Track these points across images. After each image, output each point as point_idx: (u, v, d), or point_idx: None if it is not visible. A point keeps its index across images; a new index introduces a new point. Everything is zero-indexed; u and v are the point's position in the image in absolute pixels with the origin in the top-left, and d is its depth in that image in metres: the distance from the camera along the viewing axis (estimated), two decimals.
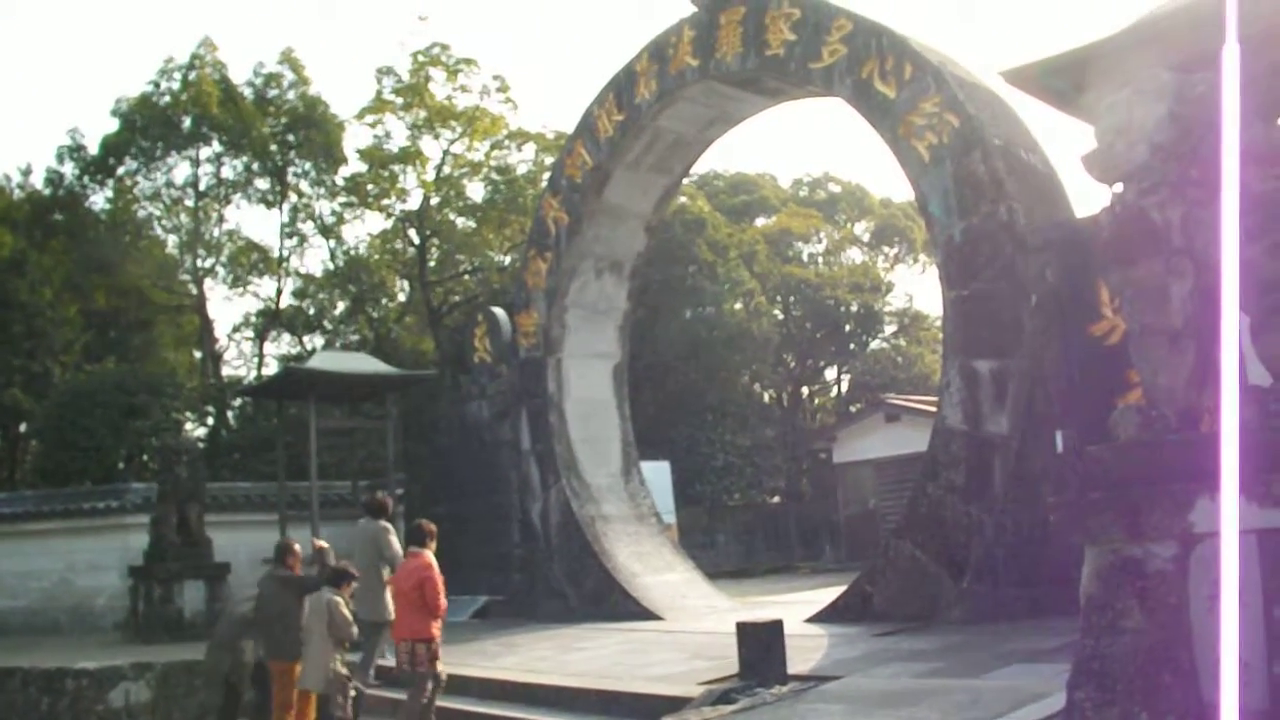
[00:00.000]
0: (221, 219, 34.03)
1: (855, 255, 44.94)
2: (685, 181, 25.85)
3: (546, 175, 24.60)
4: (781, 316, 39.15)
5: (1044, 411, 12.07)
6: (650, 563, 17.42)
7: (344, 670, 11.05)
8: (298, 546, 12.22)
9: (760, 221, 42.00)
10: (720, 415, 33.00)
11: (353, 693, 11.25)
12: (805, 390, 43.31)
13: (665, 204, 20.01)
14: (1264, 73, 5.13)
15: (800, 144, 79.48)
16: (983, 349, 12.56)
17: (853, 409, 37.45)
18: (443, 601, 10.80)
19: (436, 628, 10.73)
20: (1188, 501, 5.30)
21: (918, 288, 73.82)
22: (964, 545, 12.35)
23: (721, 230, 34.38)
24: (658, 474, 24.33)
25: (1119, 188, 6.16)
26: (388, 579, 12.38)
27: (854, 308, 40.29)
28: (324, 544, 12.64)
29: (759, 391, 39.32)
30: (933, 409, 17.41)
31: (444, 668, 10.87)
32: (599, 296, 18.79)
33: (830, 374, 44.06)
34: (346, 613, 11.05)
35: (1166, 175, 5.72)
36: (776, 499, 35.36)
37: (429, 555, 10.98)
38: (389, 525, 12.79)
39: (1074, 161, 6.61)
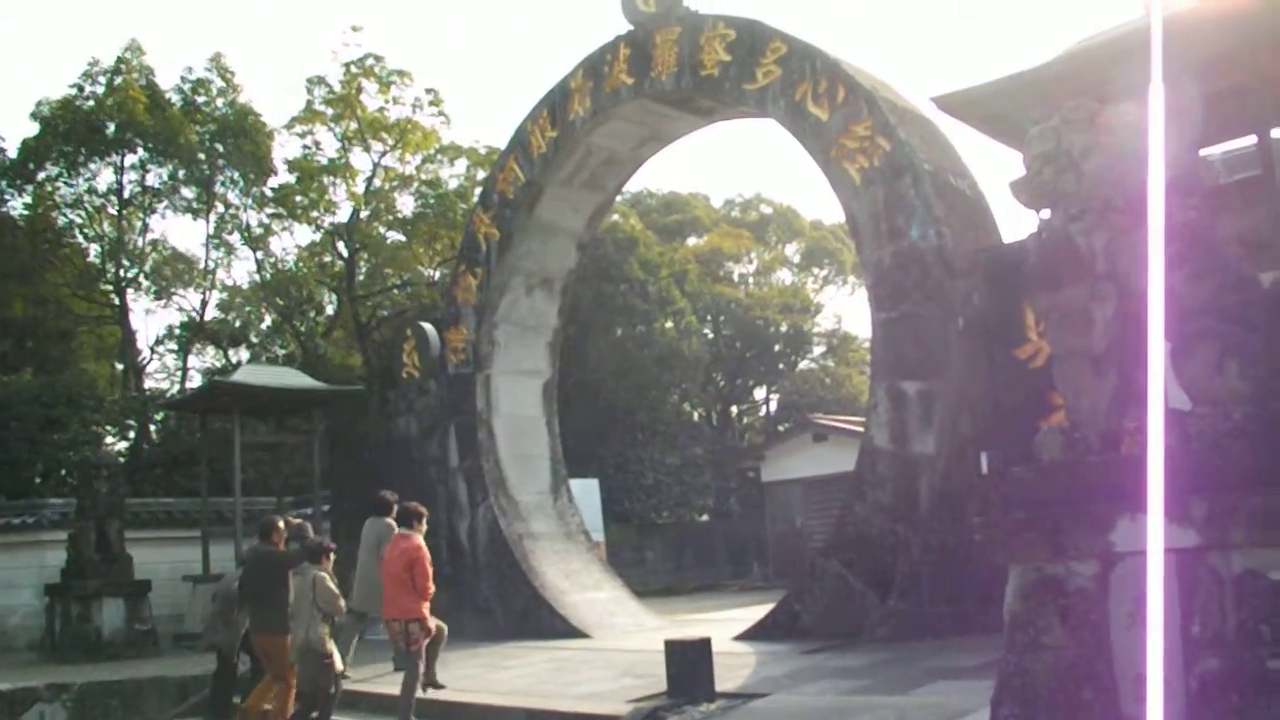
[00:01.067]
0: (145, 228, 33.44)
1: (785, 276, 45.37)
2: (618, 199, 25.92)
3: (478, 190, 24.58)
4: (711, 336, 39.37)
5: (969, 432, 12.28)
6: (578, 581, 17.41)
7: (330, 646, 11.18)
8: (282, 523, 12.43)
9: (692, 241, 42.25)
10: (650, 433, 33.08)
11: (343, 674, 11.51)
12: (734, 409, 43.57)
13: (597, 221, 20.06)
14: (1188, 105, 5.30)
15: (733, 164, 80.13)
16: (910, 370, 12.74)
17: (781, 428, 37.69)
18: (431, 585, 11.29)
19: (426, 607, 11.22)
20: (1109, 521, 5.44)
21: (847, 309, 74.71)
22: (890, 564, 12.50)
23: (653, 249, 34.54)
24: (587, 492, 24.33)
25: (1046, 214, 6.31)
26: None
27: (783, 328, 40.62)
28: (300, 520, 12.88)
29: (688, 410, 39.47)
30: (860, 429, 17.60)
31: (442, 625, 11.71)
32: (529, 313, 18.77)
33: (759, 393, 44.37)
34: (332, 586, 11.24)
35: (1092, 202, 5.87)
36: (705, 517, 35.48)
37: (418, 538, 11.43)
38: (394, 523, 12.71)
39: (1003, 187, 6.77)
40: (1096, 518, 5.51)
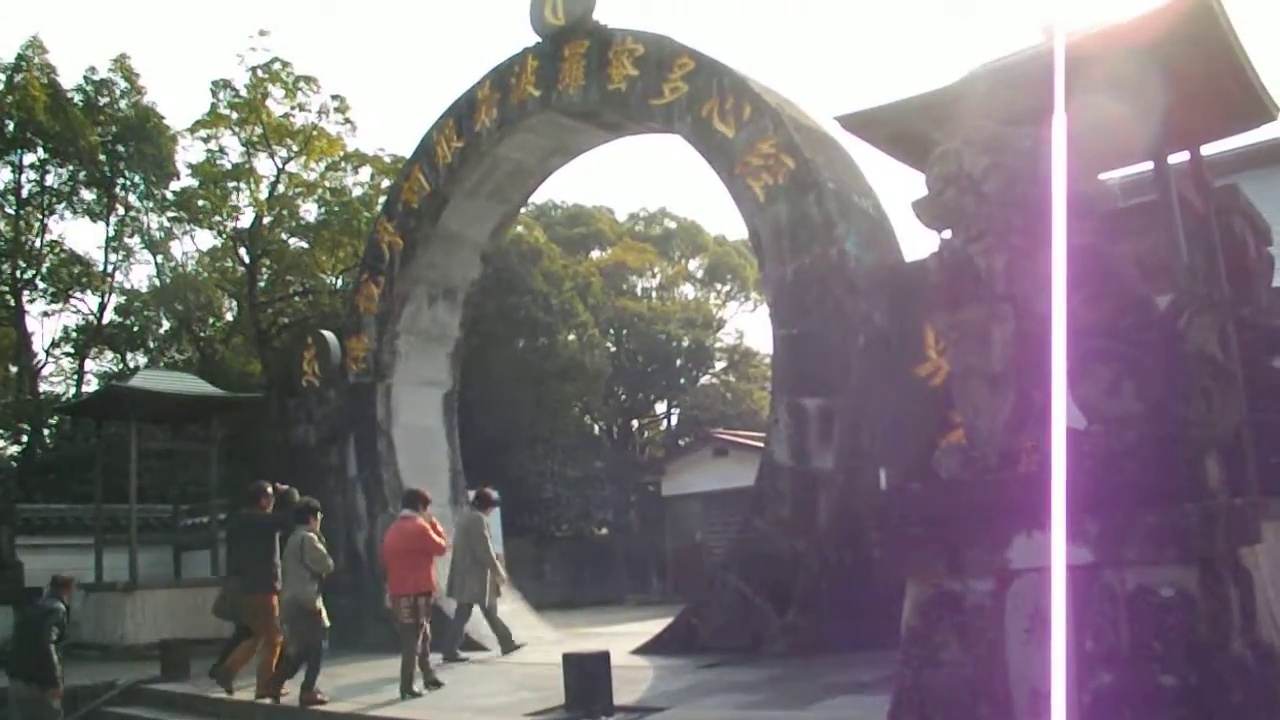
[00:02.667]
0: (44, 229, 32.40)
1: (688, 291, 45.49)
2: (522, 211, 25.82)
3: (382, 199, 24.27)
4: (614, 349, 39.31)
5: (869, 449, 12.37)
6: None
7: (318, 604, 11.60)
8: (270, 488, 13.01)
9: (596, 254, 42.19)
10: (550, 446, 32.92)
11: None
12: (635, 423, 43.54)
13: (502, 233, 19.94)
14: (1084, 132, 5.38)
15: (638, 178, 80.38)
16: (811, 387, 12.80)
17: (682, 443, 37.76)
18: (444, 545, 12.73)
19: (434, 581, 12.39)
20: (1005, 539, 5.49)
21: (749, 325, 75.20)
22: (789, 579, 12.53)
23: (557, 261, 34.42)
24: None
25: (947, 234, 6.36)
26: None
27: (685, 343, 40.72)
28: (287, 486, 13.41)
29: (590, 423, 39.39)
30: (760, 444, 17.66)
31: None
32: (431, 323, 18.58)
33: (660, 407, 44.38)
34: (320, 546, 11.70)
35: (992, 224, 5.94)
36: (605, 531, 35.38)
37: (422, 520, 12.56)
38: (485, 519, 14.01)
39: (905, 207, 6.82)
40: (994, 535, 5.56)
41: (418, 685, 11.66)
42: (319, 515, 12.13)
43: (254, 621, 12.36)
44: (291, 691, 11.56)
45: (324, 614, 11.64)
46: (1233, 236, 8.58)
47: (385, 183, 30.94)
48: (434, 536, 12.48)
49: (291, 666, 11.64)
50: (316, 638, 11.52)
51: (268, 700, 11.68)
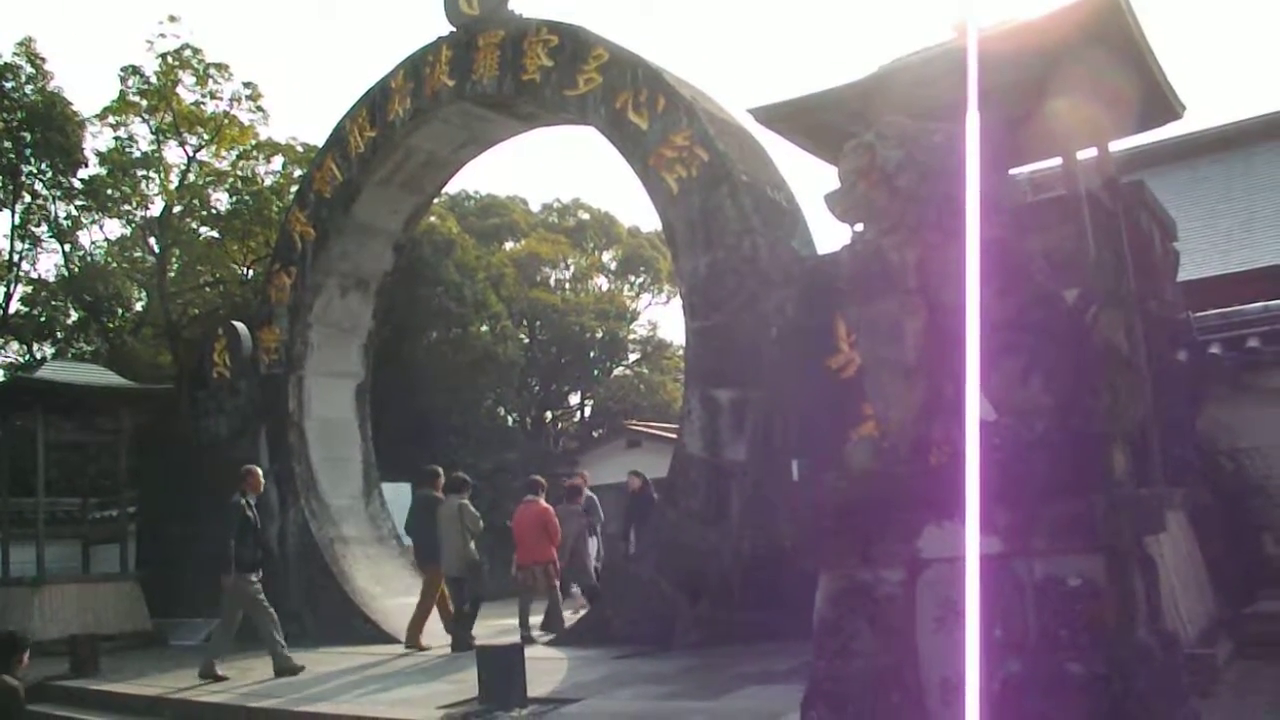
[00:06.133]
0: None
1: (602, 283, 45.45)
2: (436, 201, 25.55)
3: (294, 188, 23.91)
4: (527, 341, 39.14)
5: (781, 440, 12.42)
6: (390, 585, 17.06)
7: (477, 557, 14.12)
8: (440, 470, 15.39)
9: (509, 245, 41.97)
10: (464, 438, 32.67)
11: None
12: (549, 415, 43.42)
13: (415, 223, 19.72)
14: (996, 126, 5.42)
15: (552, 169, 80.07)
16: (723, 379, 12.82)
17: (596, 434, 37.76)
18: (559, 536, 14.84)
19: (555, 552, 14.72)
20: (916, 529, 5.50)
21: (662, 317, 75.30)
22: (701, 570, 12.55)
23: (470, 252, 34.15)
24: (399, 496, 23.85)
25: (860, 227, 6.37)
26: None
27: (599, 334, 40.69)
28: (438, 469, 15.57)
29: (503, 415, 39.18)
30: (673, 436, 17.68)
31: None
32: (344, 314, 18.34)
33: (574, 399, 44.32)
34: (474, 510, 14.26)
35: (905, 218, 5.93)
36: None
37: (544, 502, 14.96)
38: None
39: (818, 200, 6.81)
40: (904, 525, 5.57)
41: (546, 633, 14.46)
42: (470, 487, 14.77)
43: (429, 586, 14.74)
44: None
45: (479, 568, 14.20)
46: (1139, 232, 8.74)
47: (297, 172, 30.45)
48: (554, 520, 14.76)
49: (470, 617, 14.05)
50: (482, 585, 14.38)
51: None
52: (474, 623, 14.17)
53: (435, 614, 14.87)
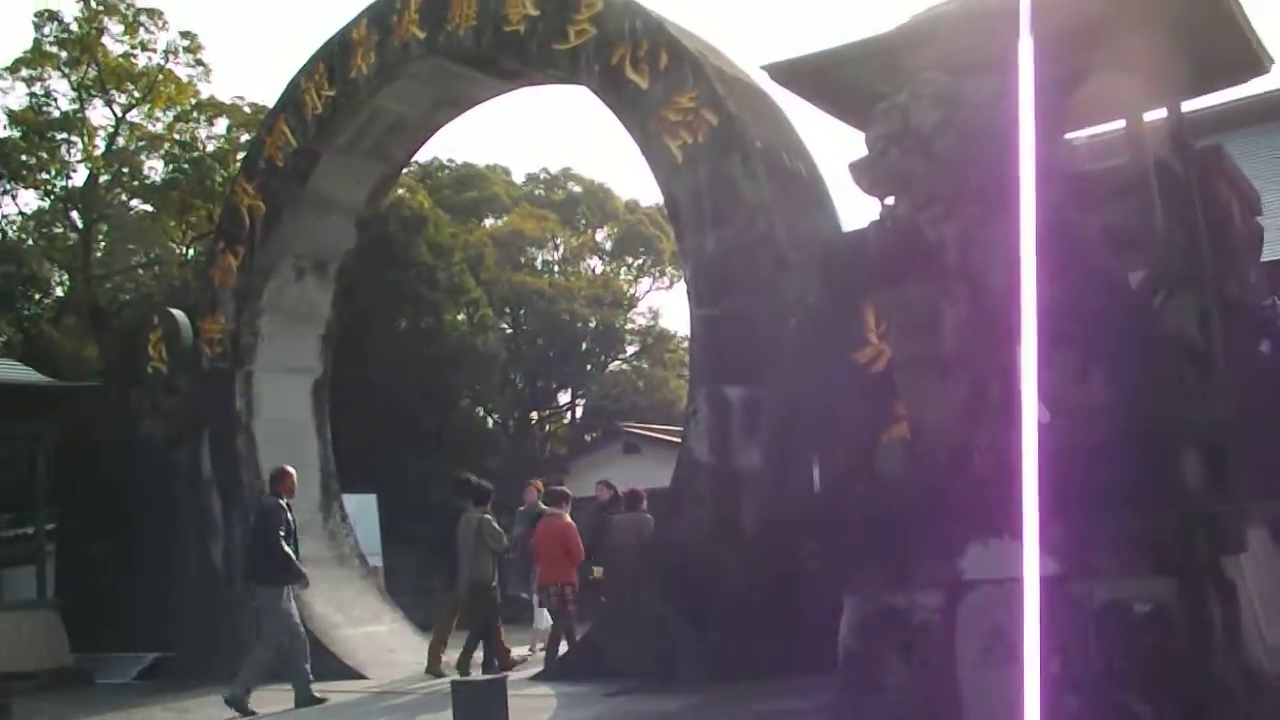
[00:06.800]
0: None
1: (596, 265, 45.47)
2: (405, 171, 25.51)
3: (241, 155, 23.88)
4: (510, 331, 39.15)
5: (801, 445, 12.36)
6: (352, 612, 17.02)
7: (493, 578, 14.52)
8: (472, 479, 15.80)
9: (489, 221, 41.97)
10: (437, 442, 32.67)
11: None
12: (535, 415, 43.43)
13: (381, 196, 19.67)
14: (1049, 82, 5.38)
15: (538, 135, 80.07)
16: (734, 374, 12.78)
17: (588, 438, 37.75)
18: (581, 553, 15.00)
19: (575, 572, 14.87)
20: (957, 547, 5.49)
21: (664, 303, 75.27)
22: (709, 593, 12.50)
23: (445, 230, 34.13)
24: (363, 508, 23.89)
25: (891, 200, 6.34)
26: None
27: (592, 324, 40.69)
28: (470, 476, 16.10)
29: (482, 416, 39.18)
30: (677, 440, 17.64)
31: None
32: (299, 300, 18.28)
33: (564, 397, 44.33)
34: (495, 525, 14.64)
35: (943, 189, 5.92)
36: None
37: (566, 516, 15.05)
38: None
39: (843, 170, 6.78)
40: (943, 542, 5.57)
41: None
42: (492, 498, 15.08)
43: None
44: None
45: (498, 590, 14.77)
46: (1216, 205, 8.66)
47: (245, 136, 30.43)
48: (576, 537, 14.88)
49: (473, 643, 14.59)
50: (494, 612, 14.65)
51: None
52: (474, 651, 14.65)
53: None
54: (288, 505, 13.56)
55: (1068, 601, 5.12)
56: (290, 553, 13.14)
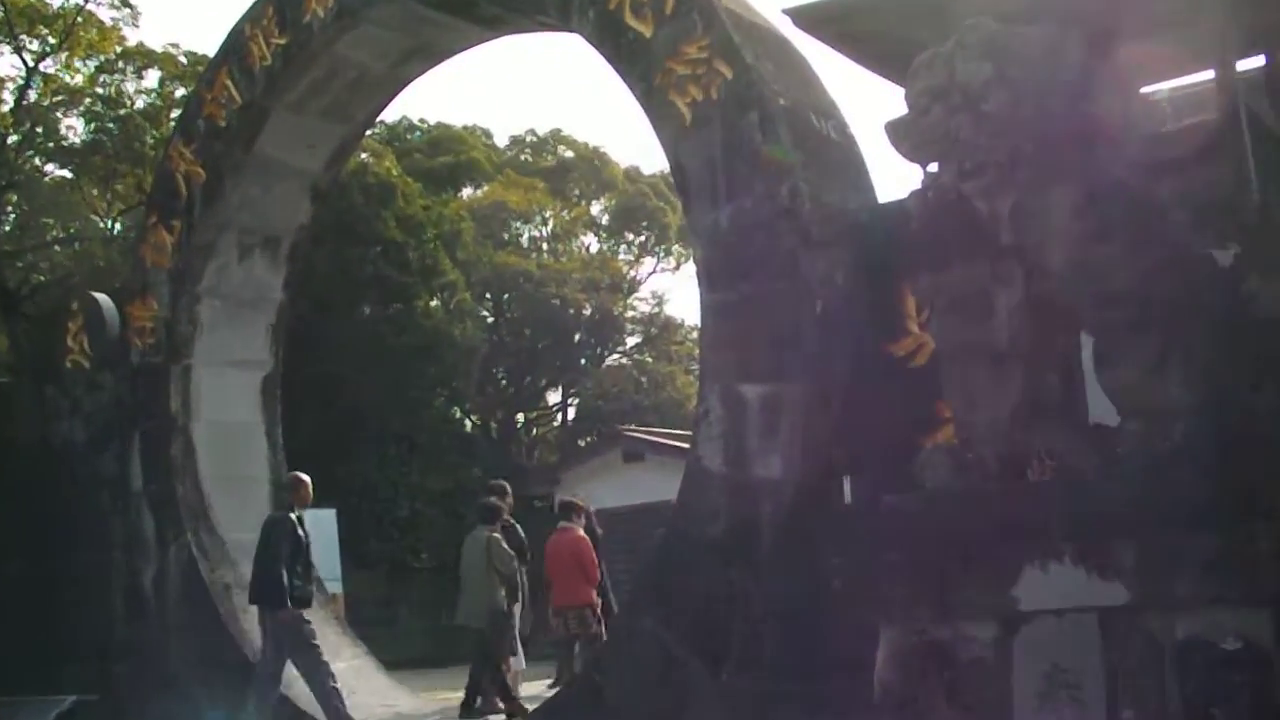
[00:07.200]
0: None
1: (591, 242, 45.59)
2: (369, 133, 25.52)
3: (176, 113, 23.85)
4: (491, 319, 39.21)
5: (829, 452, 12.38)
6: None
7: (504, 605, 14.98)
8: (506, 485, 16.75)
9: (468, 192, 42.06)
10: (407, 447, 32.77)
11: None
12: (521, 417, 43.51)
13: (341, 162, 19.65)
14: (1118, 30, 5.37)
15: (525, 92, 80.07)
16: (752, 370, 12.76)
17: (583, 443, 37.82)
18: (598, 573, 15.89)
19: (595, 593, 15.70)
20: (1012, 570, 5.48)
21: (670, 287, 75.46)
22: (723, 624, 12.50)
23: (415, 201, 34.19)
24: (321, 526, 23.87)
25: (934, 167, 6.33)
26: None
27: (587, 311, 40.75)
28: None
29: (459, 417, 39.26)
30: (685, 446, 17.64)
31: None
32: (245, 283, 18.25)
33: (554, 396, 44.40)
34: (506, 547, 15.06)
35: (995, 154, 5.90)
36: None
37: (579, 530, 15.93)
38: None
39: (879, 131, 6.77)
40: (996, 565, 5.56)
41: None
42: (503, 516, 15.62)
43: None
44: None
45: (517, 618, 15.22)
46: None
47: (180, 91, 30.47)
48: (590, 552, 15.86)
49: (477, 681, 15.12)
50: (508, 648, 15.10)
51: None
52: (480, 685, 15.33)
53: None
54: (299, 519, 14.09)
55: (1141, 636, 5.11)
56: (283, 576, 13.57)
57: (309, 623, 13.75)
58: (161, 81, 33.03)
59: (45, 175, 33.64)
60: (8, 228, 33.80)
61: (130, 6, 32.96)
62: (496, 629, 14.71)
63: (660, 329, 45.20)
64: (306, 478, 14.43)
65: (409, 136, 42.22)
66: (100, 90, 33.01)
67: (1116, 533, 5.09)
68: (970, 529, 5.68)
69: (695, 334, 34.09)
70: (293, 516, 13.90)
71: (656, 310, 45.87)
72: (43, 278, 34.03)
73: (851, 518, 11.63)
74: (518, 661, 16.71)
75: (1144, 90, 6.63)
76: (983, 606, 5.55)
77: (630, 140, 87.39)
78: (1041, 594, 5.35)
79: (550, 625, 16.32)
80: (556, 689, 15.47)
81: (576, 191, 45.13)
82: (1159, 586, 5.08)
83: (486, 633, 14.78)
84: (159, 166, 19.24)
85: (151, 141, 29.63)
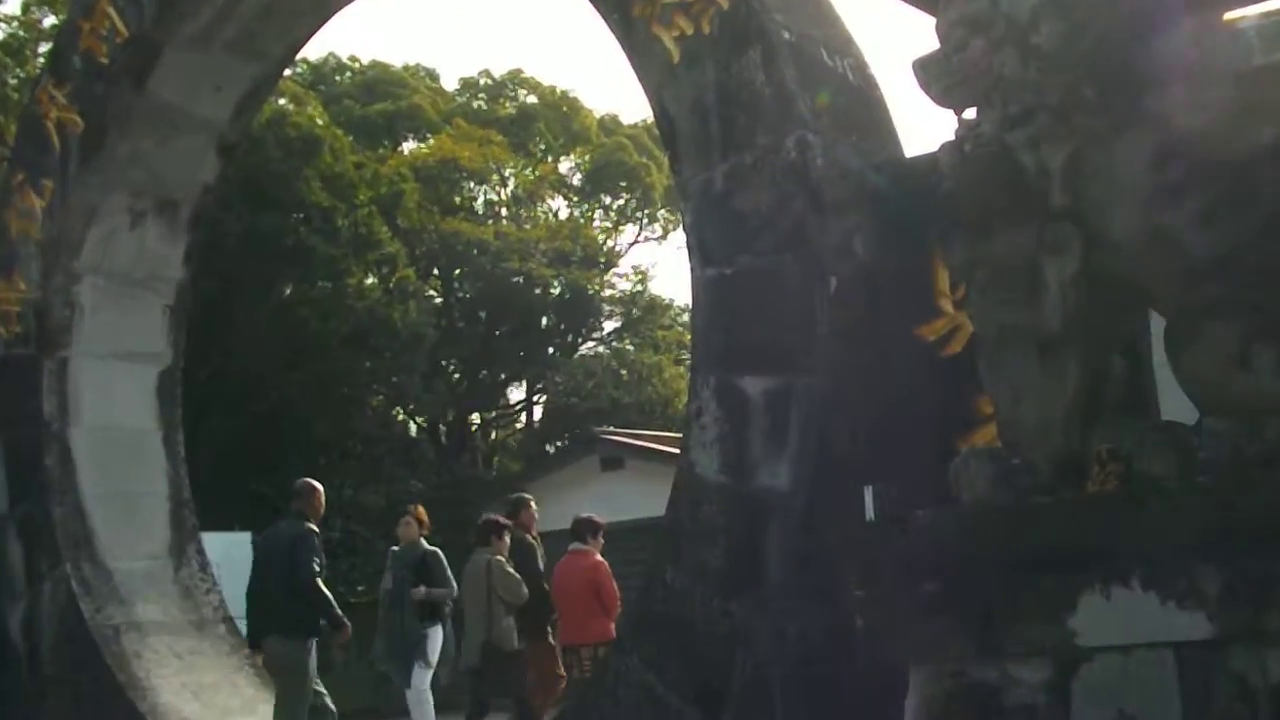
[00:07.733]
0: None
1: (559, 207, 45.63)
2: (289, 73, 25.51)
3: (45, 48, 23.81)
4: (440, 300, 39.26)
5: (846, 457, 12.42)
6: (215, 700, 17.01)
7: (515, 641, 15.30)
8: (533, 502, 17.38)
9: (410, 145, 42.09)
10: (338, 455, 32.85)
11: None
12: (476, 418, 43.58)
13: (253, 109, 19.64)
14: None
15: (478, 26, 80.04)
16: (754, 359, 12.79)
17: (551, 448, 37.88)
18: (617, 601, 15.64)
19: (613, 627, 15.38)
20: (1068, 599, 5.50)
21: (655, 260, 75.57)
22: (723, 664, 12.55)
23: (346, 157, 34.22)
24: (233, 553, 23.95)
25: (972, 113, 6.35)
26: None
27: (555, 289, 40.81)
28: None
29: (402, 419, 39.33)
30: (675, 450, 17.69)
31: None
32: (137, 257, 18.22)
33: (516, 393, 44.47)
34: (511, 570, 15.45)
35: (1047, 97, 5.92)
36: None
37: (597, 554, 15.76)
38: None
39: (904, 70, 6.78)
40: (1049, 593, 5.58)
41: None
42: (507, 537, 15.92)
43: None
44: None
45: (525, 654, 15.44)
46: None
47: (49, 20, 30.45)
48: (609, 579, 15.66)
49: None
50: (523, 684, 15.34)
51: None
52: None
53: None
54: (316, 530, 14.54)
55: (1227, 677, 5.14)
56: (326, 595, 14.15)
57: (313, 655, 13.88)
58: (25, 8, 32.99)
59: None
60: None
61: None
62: (498, 668, 14.96)
63: (643, 311, 45.30)
64: (318, 485, 14.56)
65: (337, 78, 42.28)
66: None
67: (1196, 553, 5.11)
68: (1017, 549, 5.70)
69: (685, 317, 34.21)
70: (316, 530, 14.32)
71: (639, 288, 46.02)
72: None
73: (875, 537, 11.69)
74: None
75: (1228, 17, 6.65)
76: (1033, 642, 5.57)
77: (606, 84, 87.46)
78: (1104, 627, 5.36)
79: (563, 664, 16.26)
80: None
81: (542, 145, 45.21)
82: (1248, 618, 5.10)
83: (488, 671, 14.99)
84: (24, 112, 19.18)
85: (15, 83, 29.58)
